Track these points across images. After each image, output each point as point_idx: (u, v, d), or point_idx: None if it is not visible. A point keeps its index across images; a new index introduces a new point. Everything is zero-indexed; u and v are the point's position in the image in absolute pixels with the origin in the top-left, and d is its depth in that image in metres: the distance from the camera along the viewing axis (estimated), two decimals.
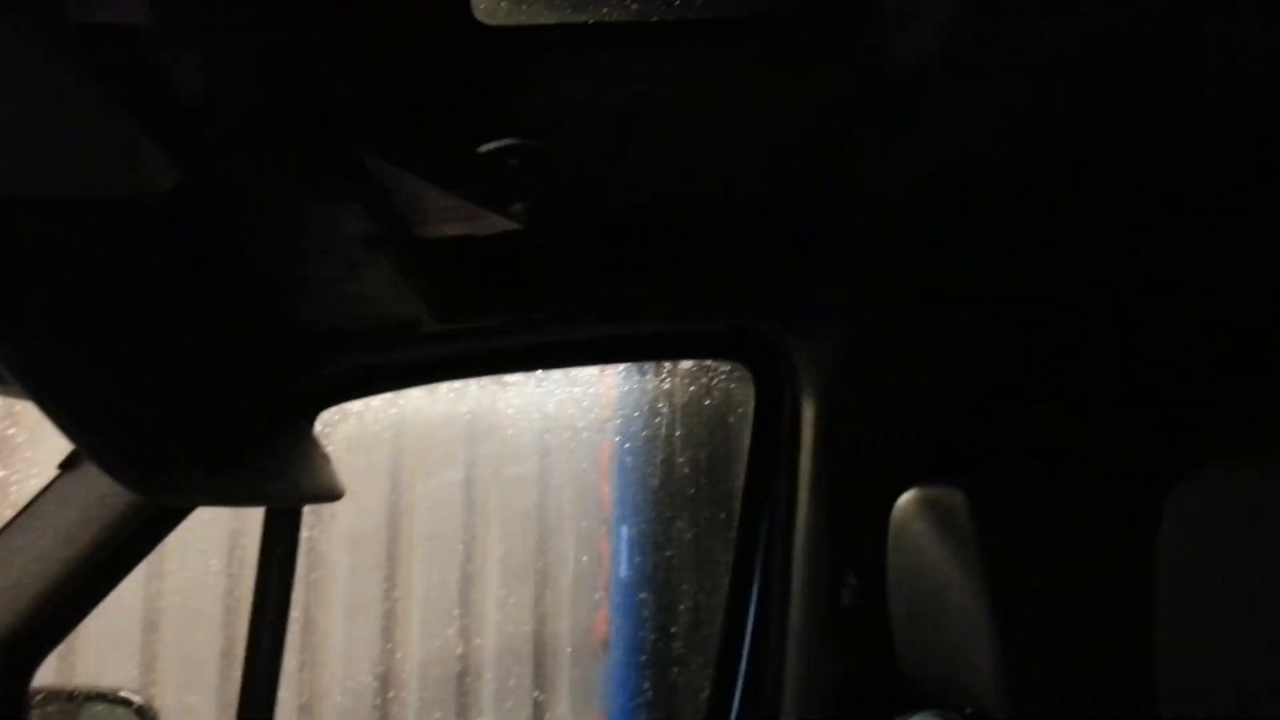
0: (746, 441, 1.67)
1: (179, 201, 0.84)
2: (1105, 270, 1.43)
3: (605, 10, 0.98)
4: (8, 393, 0.99)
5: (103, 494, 1.32)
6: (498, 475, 3.35)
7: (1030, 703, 1.09)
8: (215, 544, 2.98)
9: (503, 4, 0.91)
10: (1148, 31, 0.88)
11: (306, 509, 1.58)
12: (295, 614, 1.59)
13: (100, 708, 1.61)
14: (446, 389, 2.99)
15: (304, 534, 1.53)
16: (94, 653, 2.79)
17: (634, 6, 0.98)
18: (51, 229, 0.81)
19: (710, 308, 1.61)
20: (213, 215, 0.90)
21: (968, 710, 1.17)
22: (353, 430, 2.92)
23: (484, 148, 1.04)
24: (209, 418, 1.06)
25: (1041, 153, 1.13)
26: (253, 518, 1.53)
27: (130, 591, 1.47)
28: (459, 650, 3.32)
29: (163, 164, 0.63)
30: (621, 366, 2.76)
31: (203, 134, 0.66)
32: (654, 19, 0.97)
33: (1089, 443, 1.33)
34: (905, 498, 1.24)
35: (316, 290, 1.13)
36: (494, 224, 1.01)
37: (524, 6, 0.94)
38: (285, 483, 1.22)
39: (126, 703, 1.59)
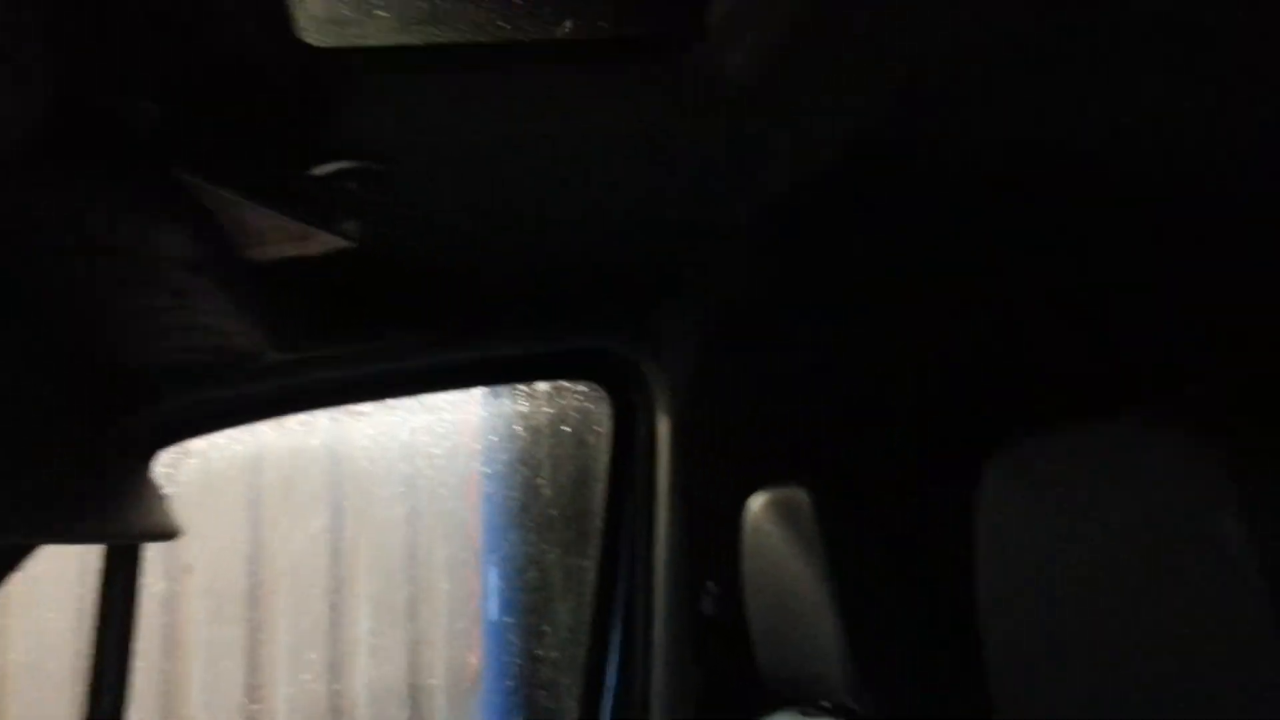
0: (605, 460, 1.69)
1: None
2: (938, 277, 1.50)
3: (436, 31, 0.98)
4: None
5: None
6: (360, 510, 3.27)
7: (879, 693, 1.13)
8: (61, 599, 2.82)
9: (330, 25, 0.90)
10: (970, 52, 0.92)
11: (160, 558, 1.52)
12: (150, 665, 1.52)
13: None
14: (297, 421, 2.91)
15: (161, 585, 1.47)
16: None
17: (463, 28, 0.99)
18: None
19: (564, 329, 1.62)
20: (18, 244, 0.86)
21: (824, 704, 1.20)
22: (200, 468, 2.82)
23: (317, 170, 1.02)
24: (42, 456, 1.01)
25: (873, 166, 1.17)
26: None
27: None
28: (331, 694, 3.22)
29: None
30: (477, 391, 2.74)
31: None
32: (484, 40, 0.98)
33: (923, 439, 1.40)
34: (755, 501, 1.28)
35: (143, 321, 1.09)
36: (325, 243, 1.00)
37: (351, 28, 0.93)
38: (122, 521, 1.17)
39: None
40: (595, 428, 1.92)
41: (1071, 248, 1.37)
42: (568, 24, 0.94)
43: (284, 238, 0.97)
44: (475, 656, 3.31)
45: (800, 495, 1.18)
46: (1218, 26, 0.86)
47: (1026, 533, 0.78)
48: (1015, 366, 1.48)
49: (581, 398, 2.18)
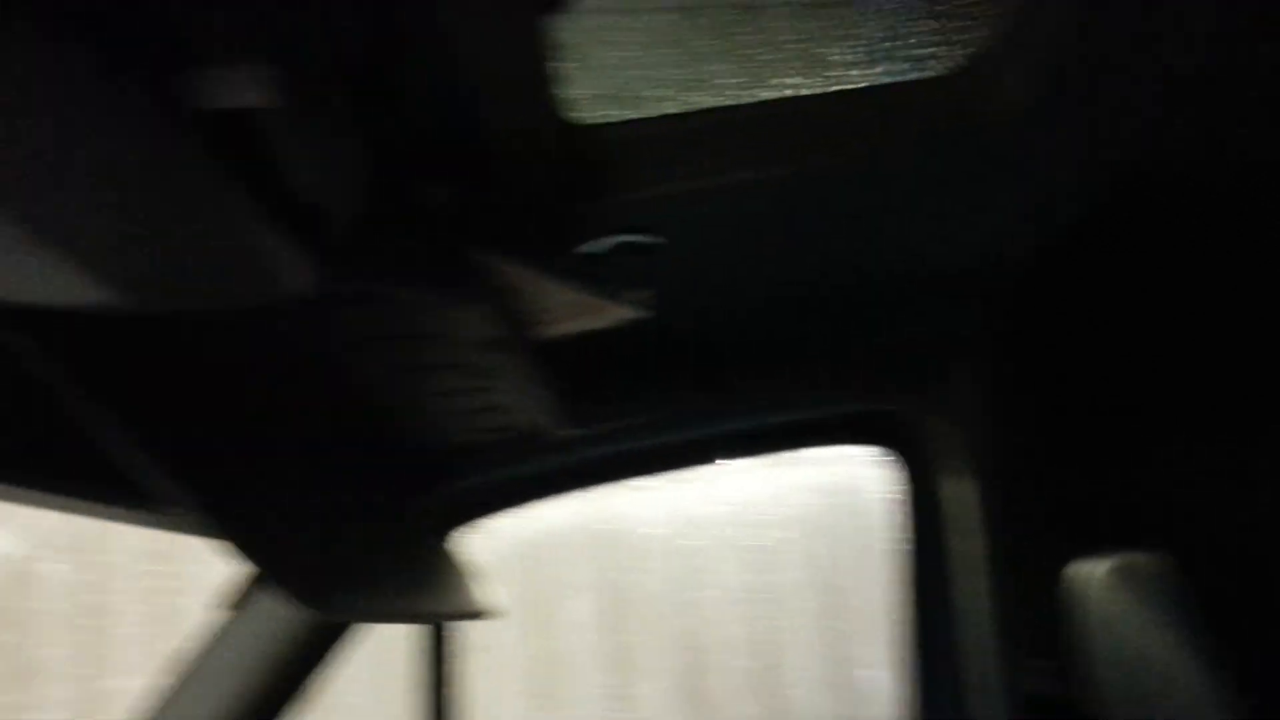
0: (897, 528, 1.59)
1: (311, 320, 0.86)
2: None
3: (700, 98, 0.97)
4: (175, 528, 1.01)
5: (272, 627, 1.35)
6: (638, 585, 3.29)
7: None
8: (367, 675, 3.00)
9: (590, 103, 0.91)
10: None
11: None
12: None
13: None
14: (581, 497, 2.98)
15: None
16: None
17: (729, 92, 0.97)
18: (213, 351, 0.83)
19: (852, 392, 1.56)
20: (344, 330, 0.91)
21: None
22: (488, 547, 2.93)
23: (591, 246, 1.04)
24: (359, 538, 1.06)
25: (1160, 186, 1.08)
26: None
27: None
28: None
29: (295, 266, 0.64)
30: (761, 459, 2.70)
31: (326, 232, 0.67)
32: (755, 99, 0.96)
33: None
34: (1091, 569, 1.15)
35: (442, 403, 1.13)
36: (616, 315, 1.00)
37: (614, 105, 0.94)
38: (434, 600, 1.21)
39: None
40: (876, 493, 1.83)
41: None
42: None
43: (576, 312, 0.98)
44: None
45: (1159, 563, 1.06)
46: None
47: None
48: None
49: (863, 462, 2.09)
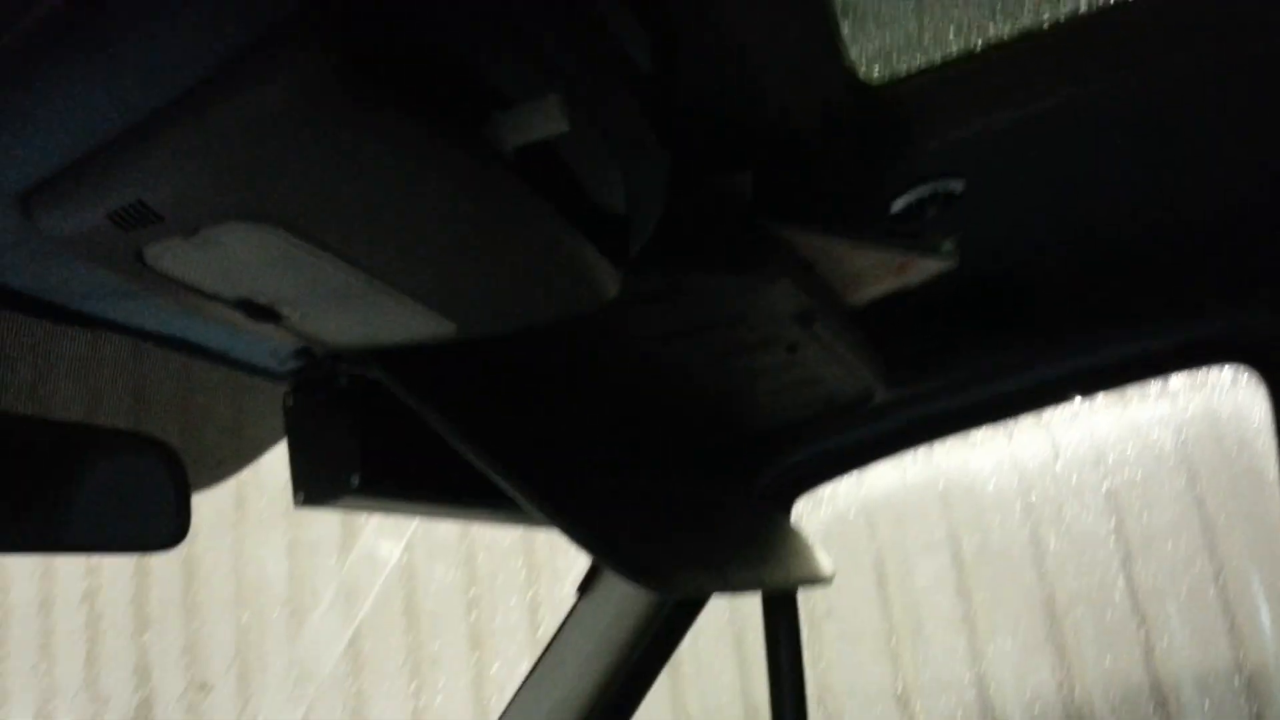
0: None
1: (629, 317, 0.90)
2: None
3: (995, 29, 0.91)
4: (530, 524, 1.10)
5: (620, 608, 1.42)
6: (981, 542, 3.16)
7: None
8: (722, 647, 3.10)
9: (879, 58, 0.88)
10: None
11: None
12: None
13: None
14: (911, 456, 2.90)
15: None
16: None
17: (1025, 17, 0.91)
18: (538, 361, 0.89)
19: (1191, 312, 1.41)
20: (660, 325, 0.95)
21: None
22: (826, 514, 2.93)
23: (898, 204, 1.01)
24: (695, 517, 1.10)
25: None
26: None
27: (654, 700, 1.56)
28: None
29: (608, 273, 0.67)
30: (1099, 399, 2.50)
31: (635, 237, 0.70)
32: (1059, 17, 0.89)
33: None
34: None
35: (766, 382, 1.14)
36: (925, 270, 0.97)
37: (904, 56, 0.91)
38: (775, 570, 1.23)
39: None
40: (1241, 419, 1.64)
41: None
42: None
43: (885, 273, 0.96)
44: None
45: None
46: None
47: None
48: None
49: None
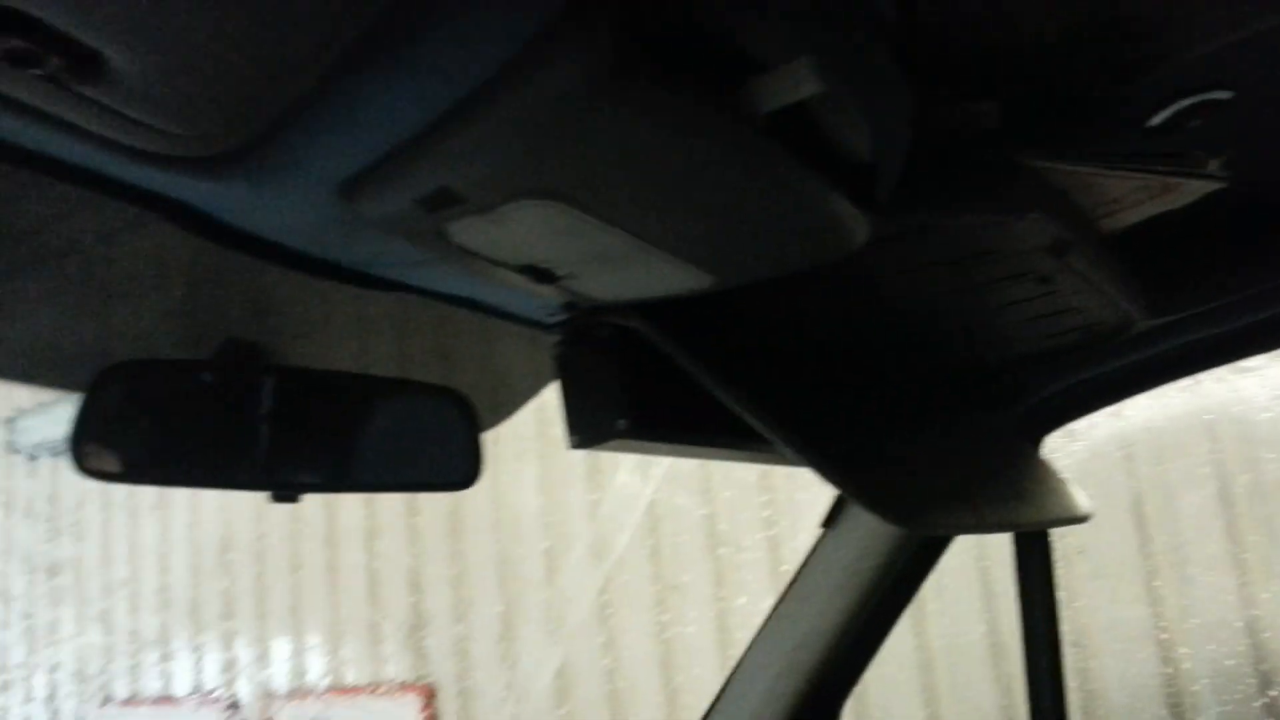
0: None
1: (877, 258, 0.91)
2: None
3: None
4: (777, 462, 1.13)
5: (866, 543, 1.43)
6: (1254, 475, 2.93)
7: None
8: (968, 583, 3.05)
9: None
10: None
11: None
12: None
13: None
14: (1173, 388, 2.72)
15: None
16: (879, 696, 3.02)
17: None
18: (786, 305, 0.92)
19: None
20: (908, 263, 0.95)
21: None
22: (1081, 449, 2.80)
23: (1156, 119, 0.95)
24: (945, 452, 1.10)
25: None
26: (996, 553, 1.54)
27: (899, 637, 1.57)
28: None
29: (856, 219, 0.69)
30: None
31: (882, 181, 0.71)
32: None
33: None
34: None
35: (1018, 314, 1.12)
36: (1190, 191, 0.92)
37: None
38: (1027, 508, 1.21)
39: None
40: None
41: None
42: None
43: (1144, 197, 0.91)
44: None
45: None
46: None
47: None
48: None
49: None
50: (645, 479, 3.67)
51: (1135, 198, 0.91)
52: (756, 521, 3.50)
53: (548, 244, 0.66)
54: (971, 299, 1.08)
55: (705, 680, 3.40)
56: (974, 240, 0.94)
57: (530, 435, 3.81)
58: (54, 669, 5.44)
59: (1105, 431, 2.96)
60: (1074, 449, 2.78)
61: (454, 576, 4.06)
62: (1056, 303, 1.09)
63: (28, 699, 5.52)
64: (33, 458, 5.41)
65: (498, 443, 3.79)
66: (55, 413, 5.04)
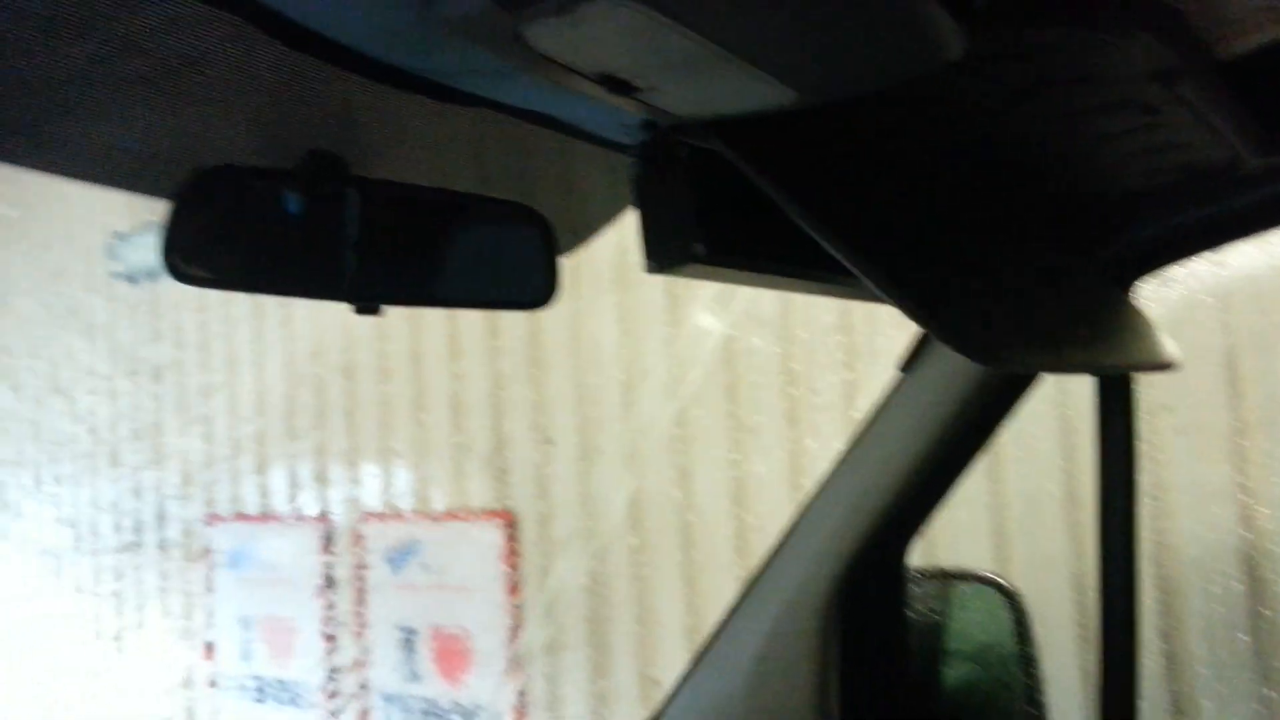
0: None
1: (968, 81, 0.87)
2: None
3: None
4: (858, 297, 1.12)
5: (945, 384, 1.42)
6: None
7: None
8: (1047, 430, 3.03)
9: None
10: None
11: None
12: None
13: (967, 587, 1.73)
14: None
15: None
16: (949, 538, 3.06)
17: None
18: (873, 131, 0.89)
19: None
20: (1003, 88, 0.91)
21: None
22: (1177, 297, 2.70)
23: None
24: (1031, 291, 1.08)
25: None
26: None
27: (973, 481, 1.56)
28: None
29: (951, 30, 0.66)
30: None
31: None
32: None
33: None
34: None
35: (1116, 148, 1.07)
36: None
37: None
38: (1113, 352, 1.19)
39: (992, 583, 1.68)
40: None
41: None
42: None
43: (1271, 18, 0.85)
44: None
45: None
46: None
47: None
48: None
49: None
50: (722, 316, 3.68)
51: (1258, 19, 0.85)
52: (832, 364, 3.50)
53: (625, 50, 0.65)
54: (1068, 131, 1.03)
55: (775, 517, 3.49)
56: (1075, 64, 0.89)
57: (608, 267, 3.83)
58: (160, 470, 5.77)
59: (1203, 280, 2.84)
60: (1168, 296, 2.69)
61: (534, 403, 4.17)
62: (1159, 137, 1.04)
63: (137, 495, 5.88)
64: (132, 280, 5.65)
65: (578, 270, 3.82)
66: (151, 239, 5.22)
